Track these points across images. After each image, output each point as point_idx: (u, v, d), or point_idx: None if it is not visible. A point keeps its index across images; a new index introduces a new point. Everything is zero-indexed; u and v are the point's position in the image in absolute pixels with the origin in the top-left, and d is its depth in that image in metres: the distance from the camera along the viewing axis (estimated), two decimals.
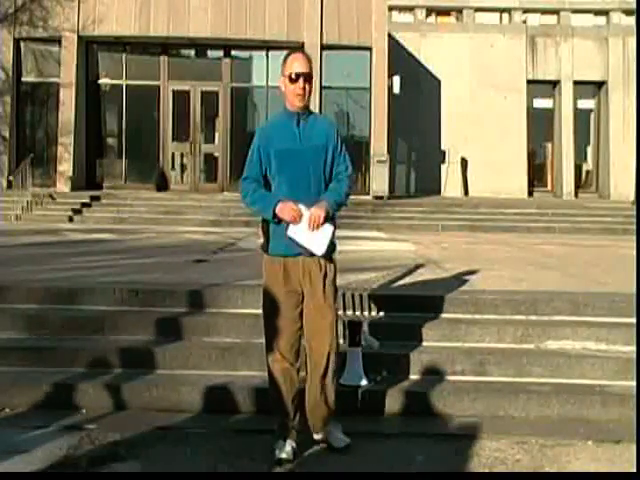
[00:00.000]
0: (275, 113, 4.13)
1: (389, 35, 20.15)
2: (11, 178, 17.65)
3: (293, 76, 3.89)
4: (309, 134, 3.95)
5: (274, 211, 3.84)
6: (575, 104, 23.95)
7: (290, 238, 3.84)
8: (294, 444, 3.94)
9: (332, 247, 4.00)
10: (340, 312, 5.48)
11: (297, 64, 3.92)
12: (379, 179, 18.78)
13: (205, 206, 17.54)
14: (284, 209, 3.81)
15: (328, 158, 3.95)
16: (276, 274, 3.95)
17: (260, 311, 5.66)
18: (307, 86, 3.91)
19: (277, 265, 3.95)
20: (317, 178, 3.93)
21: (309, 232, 3.82)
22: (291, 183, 3.90)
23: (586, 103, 24.42)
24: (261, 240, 4.09)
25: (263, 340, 5.33)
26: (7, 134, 19.41)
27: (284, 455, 3.88)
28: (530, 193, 23.50)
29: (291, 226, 3.82)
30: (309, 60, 3.98)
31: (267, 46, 19.74)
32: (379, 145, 19.36)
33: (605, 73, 23.83)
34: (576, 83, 23.82)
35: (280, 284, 3.94)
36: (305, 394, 4.02)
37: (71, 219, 16.35)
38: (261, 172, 3.99)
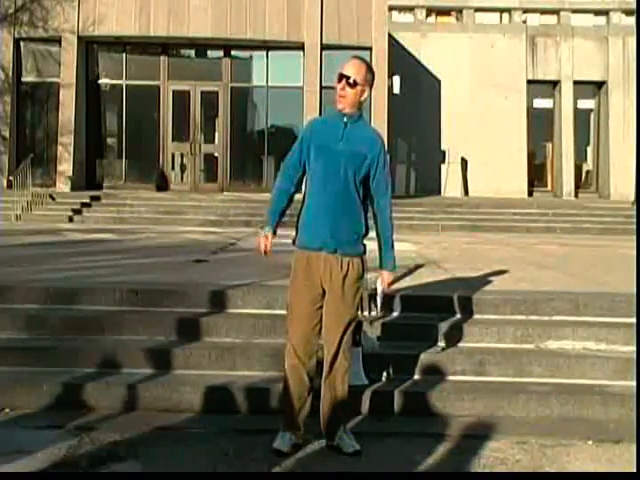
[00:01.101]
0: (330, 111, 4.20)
1: (389, 35, 20.14)
2: (11, 178, 17.63)
3: (340, 77, 3.94)
4: (353, 138, 3.96)
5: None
6: (575, 104, 23.94)
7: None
8: (294, 438, 3.97)
9: (363, 248, 4.05)
10: None
11: (349, 68, 3.95)
12: None
13: (205, 206, 17.54)
14: (259, 239, 4.12)
15: (363, 167, 3.95)
16: (300, 267, 3.98)
17: (260, 311, 5.71)
18: (349, 89, 3.92)
19: (302, 258, 3.98)
20: (348, 181, 3.93)
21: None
22: (322, 177, 3.93)
23: (586, 103, 24.41)
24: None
25: (263, 340, 5.36)
26: (7, 134, 19.41)
27: (278, 445, 3.93)
28: (530, 193, 23.49)
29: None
30: (365, 68, 3.97)
31: (267, 46, 19.73)
32: None
33: (605, 73, 23.83)
34: (576, 83, 23.82)
35: (302, 277, 3.97)
36: (320, 398, 4.04)
37: (71, 219, 16.35)
38: (300, 161, 4.04)
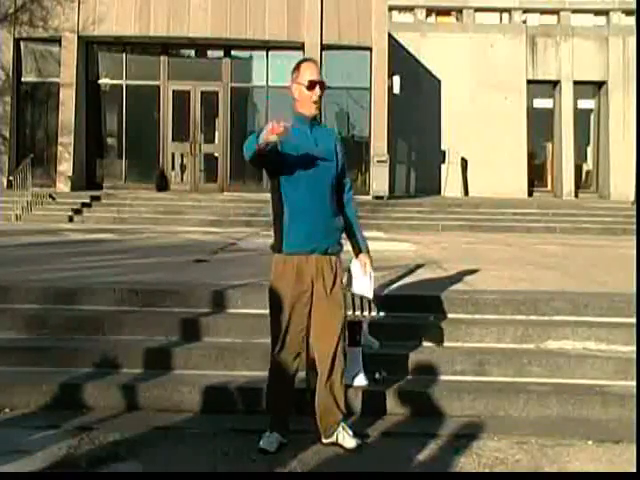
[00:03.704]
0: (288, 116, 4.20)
1: (389, 35, 20.15)
2: (11, 178, 17.64)
3: (307, 83, 3.99)
4: (321, 139, 4.06)
5: (259, 137, 3.69)
6: (575, 104, 23.94)
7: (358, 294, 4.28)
8: (281, 438, 4.02)
9: (341, 247, 4.09)
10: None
11: (312, 72, 4.03)
12: (379, 179, 18.78)
13: (205, 206, 17.54)
14: (267, 127, 3.62)
15: (339, 164, 4.09)
16: (288, 274, 3.96)
17: (260, 311, 5.68)
18: (322, 94, 4.03)
19: (289, 264, 3.96)
20: (330, 178, 4.03)
21: (366, 280, 4.19)
22: (308, 181, 3.94)
23: (586, 103, 24.41)
24: (271, 240, 4.11)
25: (263, 340, 5.35)
26: (7, 134, 19.41)
27: (264, 445, 3.97)
28: (530, 193, 23.50)
29: (355, 285, 4.20)
30: (319, 68, 4.12)
31: (267, 46, 19.74)
32: (379, 145, 19.36)
33: (605, 73, 23.83)
34: (576, 83, 23.82)
35: (291, 285, 3.95)
36: (315, 397, 4.07)
37: (71, 219, 16.35)
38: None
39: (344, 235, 4.18)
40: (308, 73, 4.01)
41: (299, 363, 4.07)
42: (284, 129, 3.59)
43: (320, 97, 4.02)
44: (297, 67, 4.08)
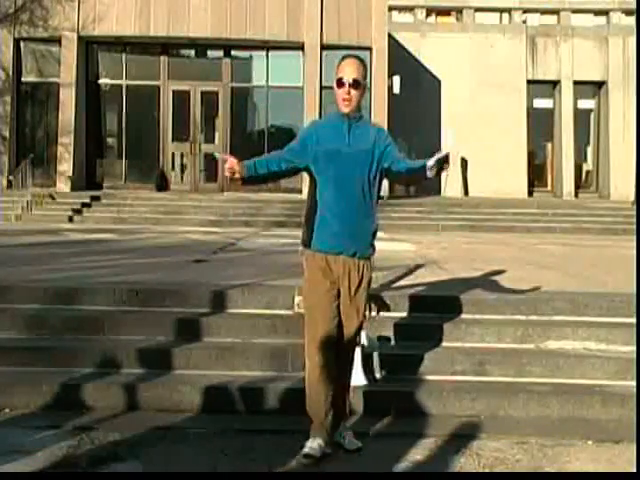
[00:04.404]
0: (329, 113, 4.16)
1: (389, 35, 20.15)
2: (11, 178, 17.66)
3: (342, 81, 3.92)
4: (358, 138, 3.96)
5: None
6: (575, 104, 23.94)
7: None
8: (322, 442, 3.90)
9: (372, 249, 4.04)
10: None
11: (347, 69, 3.94)
12: None
13: (205, 206, 17.55)
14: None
15: (374, 164, 3.96)
16: (318, 268, 3.94)
17: (260, 311, 5.70)
18: (354, 92, 3.92)
19: (318, 259, 3.95)
20: (362, 180, 3.94)
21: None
22: (337, 182, 3.91)
23: (586, 103, 24.41)
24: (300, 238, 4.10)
25: (263, 340, 5.35)
26: (7, 134, 19.42)
27: (310, 451, 3.85)
28: (530, 193, 23.49)
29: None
30: (362, 66, 3.98)
31: (267, 46, 19.74)
32: None
33: (605, 73, 23.83)
34: (576, 83, 23.82)
35: (320, 277, 3.93)
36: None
37: (71, 219, 16.35)
38: (291, 158, 4.00)
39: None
40: (343, 70, 3.94)
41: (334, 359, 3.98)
42: (230, 171, 3.86)
43: (350, 95, 3.89)
44: (339, 62, 4.00)
